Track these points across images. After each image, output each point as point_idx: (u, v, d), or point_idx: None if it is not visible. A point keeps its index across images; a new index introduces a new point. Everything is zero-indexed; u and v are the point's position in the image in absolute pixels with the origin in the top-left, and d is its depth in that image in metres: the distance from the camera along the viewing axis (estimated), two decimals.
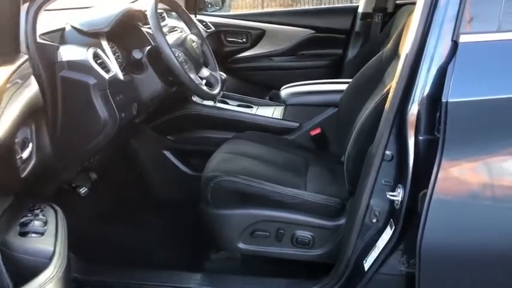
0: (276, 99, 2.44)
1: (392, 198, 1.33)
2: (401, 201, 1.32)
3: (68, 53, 1.53)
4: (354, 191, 1.57)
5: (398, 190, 1.33)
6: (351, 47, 3.05)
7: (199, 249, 1.88)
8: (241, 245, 1.69)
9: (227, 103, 2.33)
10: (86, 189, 1.84)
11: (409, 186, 1.30)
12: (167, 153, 2.25)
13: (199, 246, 1.89)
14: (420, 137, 1.26)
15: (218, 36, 3.01)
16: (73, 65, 1.50)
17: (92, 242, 1.83)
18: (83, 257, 1.72)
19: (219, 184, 1.65)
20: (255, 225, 1.67)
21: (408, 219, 1.33)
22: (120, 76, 1.65)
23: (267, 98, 2.73)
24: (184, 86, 1.72)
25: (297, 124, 2.18)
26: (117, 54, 1.76)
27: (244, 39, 3.09)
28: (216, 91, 1.88)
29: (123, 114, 1.62)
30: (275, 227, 1.66)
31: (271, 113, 2.26)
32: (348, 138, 1.76)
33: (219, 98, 2.24)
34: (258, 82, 3.04)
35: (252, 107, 2.34)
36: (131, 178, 2.28)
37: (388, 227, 1.39)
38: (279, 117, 2.20)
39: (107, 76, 1.54)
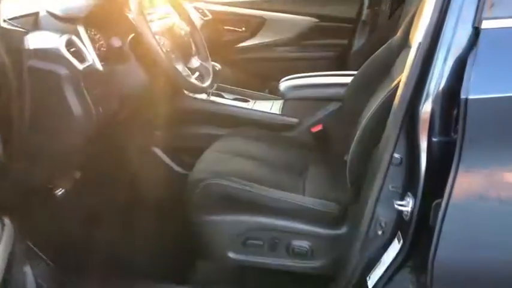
0: (275, 93, 2.27)
1: (400, 208, 1.16)
2: (411, 212, 1.14)
3: (38, 40, 1.36)
4: (357, 196, 1.40)
5: (408, 199, 1.16)
6: (357, 36, 2.86)
7: (188, 258, 1.72)
8: (231, 255, 1.53)
9: (222, 96, 2.16)
10: (62, 190, 1.68)
11: (420, 194, 1.12)
12: (156, 150, 2.09)
13: (187, 253, 1.73)
14: (434, 139, 1.09)
15: (215, 24, 2.82)
16: (41, 54, 1.33)
17: (71, 248, 1.67)
18: (61, 266, 1.58)
19: (207, 188, 1.49)
20: (246, 234, 1.50)
21: (419, 232, 1.16)
22: (98, 66, 1.48)
23: (266, 91, 2.56)
24: (170, 78, 1.55)
25: (296, 120, 2.01)
26: (100, 43, 1.59)
27: (243, 28, 2.90)
28: (206, 84, 1.71)
29: (100, 109, 1.45)
30: (269, 236, 1.50)
31: (269, 107, 2.09)
32: (352, 137, 1.60)
33: (213, 91, 2.07)
34: (257, 74, 2.85)
35: (249, 101, 2.16)
36: (118, 177, 2.12)
37: (396, 240, 1.22)
38: (277, 113, 2.03)
39: (80, 66, 1.37)
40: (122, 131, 2.02)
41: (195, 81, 1.62)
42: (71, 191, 1.78)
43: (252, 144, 1.83)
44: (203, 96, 2.02)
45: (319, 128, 1.95)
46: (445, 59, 1.06)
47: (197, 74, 1.77)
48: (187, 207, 1.55)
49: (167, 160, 2.09)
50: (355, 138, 1.39)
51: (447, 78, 1.06)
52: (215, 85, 2.04)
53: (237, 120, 2.01)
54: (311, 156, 1.85)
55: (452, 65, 1.05)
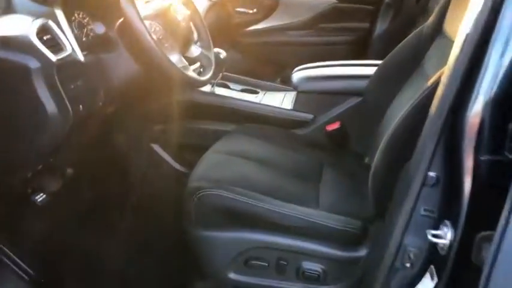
0: (288, 82, 2.04)
1: (435, 240, 0.94)
2: (450, 245, 0.92)
3: (5, 25, 1.16)
4: (381, 212, 1.18)
5: (445, 229, 0.93)
6: (379, 20, 2.59)
7: (184, 276, 1.52)
8: (232, 275, 1.33)
9: (228, 87, 1.94)
10: (43, 196, 1.49)
11: (462, 224, 0.90)
12: (155, 147, 1.88)
13: (184, 271, 1.53)
14: (482, 157, 0.86)
15: (224, 6, 2.58)
16: (7, 42, 1.12)
17: (53, 261, 1.50)
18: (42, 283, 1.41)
19: (204, 199, 1.28)
20: (249, 253, 1.30)
21: (456, 268, 0.94)
22: (79, 56, 1.27)
23: (278, 80, 2.34)
24: (161, 70, 1.33)
25: (310, 116, 1.78)
26: (89, 27, 1.38)
27: (254, 10, 2.65)
28: (206, 76, 1.48)
29: (81, 106, 1.24)
30: (275, 256, 1.29)
31: (280, 100, 1.86)
32: (374, 138, 1.38)
33: (219, 81, 1.85)
34: (269, 60, 2.61)
35: (258, 93, 1.94)
36: (112, 175, 1.93)
37: (428, 276, 1.00)
38: (289, 107, 1.80)
39: (54, 58, 1.16)
40: (115, 127, 1.83)
41: (193, 74, 1.40)
42: (58, 194, 1.61)
43: (259, 143, 1.62)
44: (206, 88, 1.80)
45: (335, 126, 1.71)
46: (502, 55, 0.82)
47: (198, 64, 1.54)
48: (184, 218, 1.35)
49: (167, 157, 1.89)
50: (380, 147, 1.16)
51: (502, 80, 0.83)
52: (220, 75, 1.82)
53: (244, 115, 1.79)
54: (326, 158, 1.62)
55: (511, 62, 0.82)
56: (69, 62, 1.23)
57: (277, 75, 2.44)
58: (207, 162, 1.45)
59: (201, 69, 1.53)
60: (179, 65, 1.36)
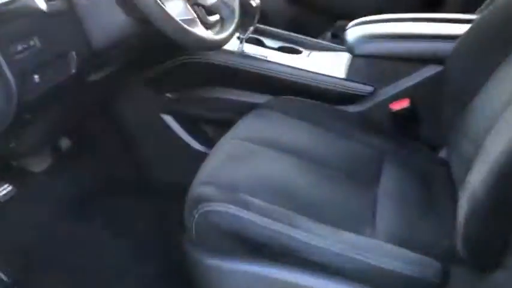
0: (341, 39, 1.58)
1: None
2: None
3: None
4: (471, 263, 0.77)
5: None
6: None
7: None
8: None
9: (262, 44, 1.50)
10: (9, 188, 1.14)
11: None
12: (166, 118, 1.49)
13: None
14: None
15: None
16: None
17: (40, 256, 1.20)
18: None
19: (208, 217, 0.89)
20: None
21: None
22: (40, 4, 0.88)
23: (328, 34, 1.87)
24: (155, 26, 0.90)
25: (369, 89, 1.32)
26: None
27: None
28: (225, 34, 1.04)
29: (36, 76, 0.86)
30: None
31: (329, 65, 1.41)
32: (458, 129, 0.96)
33: (250, 36, 1.41)
34: (319, 6, 2.10)
35: (301, 52, 1.49)
36: (116, 151, 1.58)
37: None
38: (341, 76, 1.35)
39: None
40: (120, 93, 1.46)
41: (201, 32, 0.96)
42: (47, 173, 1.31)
43: (298, 125, 1.21)
44: (233, 45, 1.37)
45: (403, 104, 1.26)
46: None
47: (216, 17, 1.11)
48: (185, 235, 0.97)
49: (181, 132, 1.50)
50: (484, 177, 0.72)
51: None
52: (251, 28, 1.38)
53: (280, 83, 1.36)
54: (387, 149, 1.20)
55: None
56: (19, 11, 0.84)
57: (326, 27, 1.96)
58: (219, 156, 1.05)
59: (221, 24, 1.09)
60: (182, 18, 0.93)
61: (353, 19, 1.46)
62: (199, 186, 0.95)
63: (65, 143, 1.50)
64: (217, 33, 1.01)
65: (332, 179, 1.04)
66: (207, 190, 0.93)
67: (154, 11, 0.85)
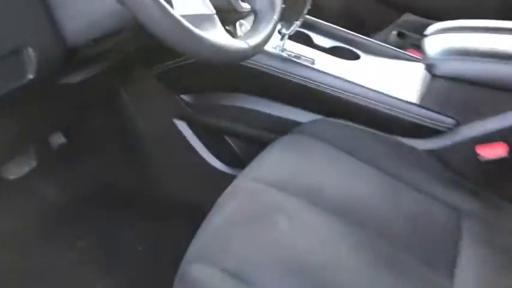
0: (411, 40, 1.22)
1: None
2: None
3: None
4: None
5: None
6: None
7: None
8: None
9: (310, 41, 1.16)
10: None
11: None
12: (180, 124, 1.18)
13: None
14: None
15: None
16: None
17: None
18: None
19: None
20: None
21: None
22: None
23: (393, 33, 1.51)
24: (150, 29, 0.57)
25: (450, 121, 0.97)
26: None
27: None
28: (255, 39, 0.69)
29: None
30: None
31: (396, 81, 1.07)
32: None
33: (297, 30, 1.07)
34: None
35: (359, 57, 1.15)
36: (119, 155, 1.30)
37: None
38: (412, 99, 1.00)
39: None
40: (128, 90, 1.17)
41: (218, 35, 0.62)
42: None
43: (345, 165, 0.88)
44: (272, 42, 1.02)
45: (497, 151, 0.91)
46: None
47: (247, 9, 0.77)
48: None
49: (196, 143, 1.19)
50: None
51: None
52: (297, 22, 1.04)
53: (328, 100, 1.02)
54: (469, 210, 0.86)
55: None
56: None
57: (390, 22, 1.59)
58: (231, 209, 0.74)
59: (253, 21, 0.76)
60: (196, 13, 0.60)
61: (424, 13, 1.11)
62: (194, 264, 0.65)
63: (56, 140, 1.23)
64: (246, 35, 0.68)
65: (394, 265, 0.72)
66: (205, 273, 0.63)
67: (142, 7, 0.51)
